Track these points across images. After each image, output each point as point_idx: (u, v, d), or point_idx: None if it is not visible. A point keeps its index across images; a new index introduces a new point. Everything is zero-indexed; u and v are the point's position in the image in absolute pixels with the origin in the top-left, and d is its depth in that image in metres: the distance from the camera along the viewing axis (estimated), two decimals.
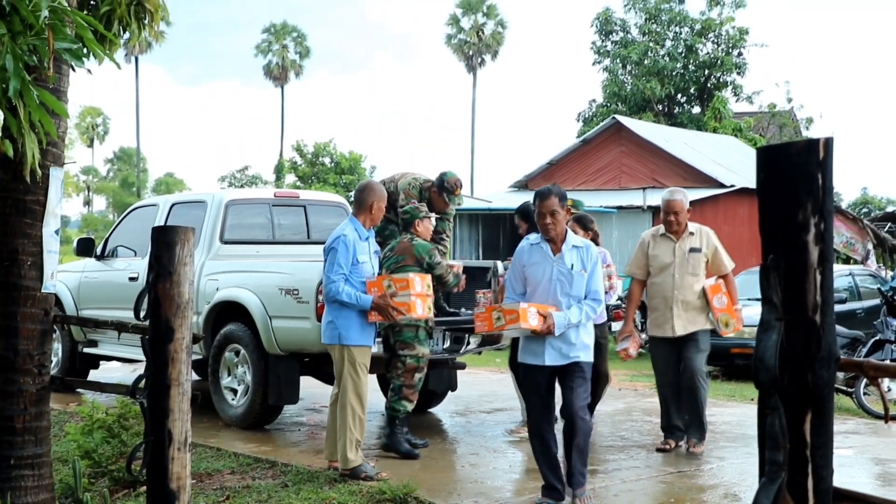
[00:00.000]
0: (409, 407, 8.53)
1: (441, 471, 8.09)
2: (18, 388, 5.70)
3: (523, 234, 9.36)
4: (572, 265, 6.67)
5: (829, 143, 2.71)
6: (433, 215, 9.12)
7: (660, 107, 42.24)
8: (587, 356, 6.80)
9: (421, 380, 8.51)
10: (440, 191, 9.47)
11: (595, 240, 9.69)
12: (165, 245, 5.14)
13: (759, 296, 2.83)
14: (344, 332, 7.56)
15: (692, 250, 8.56)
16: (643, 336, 12.49)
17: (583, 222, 9.55)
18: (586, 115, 43.59)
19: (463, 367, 10.55)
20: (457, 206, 9.76)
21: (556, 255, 6.70)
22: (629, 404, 11.73)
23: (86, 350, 11.80)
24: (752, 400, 11.03)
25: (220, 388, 9.82)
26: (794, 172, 2.71)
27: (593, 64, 44.02)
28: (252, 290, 9.50)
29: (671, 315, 8.54)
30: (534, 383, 6.83)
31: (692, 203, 27.60)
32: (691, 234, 8.62)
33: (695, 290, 8.52)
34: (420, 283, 7.76)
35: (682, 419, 8.71)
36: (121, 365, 13.08)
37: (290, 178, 50.30)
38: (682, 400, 8.67)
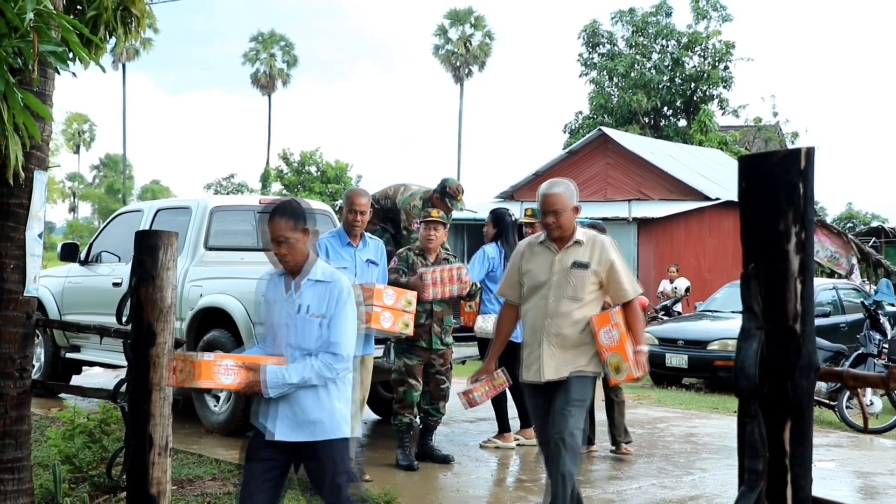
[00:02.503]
0: (404, 420, 8.43)
1: (423, 479, 8.09)
2: None
3: (488, 240, 9.38)
4: (305, 307, 4.88)
5: (810, 152, 2.72)
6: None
7: (646, 119, 42.40)
8: (334, 431, 4.87)
9: (408, 392, 8.39)
10: (442, 196, 9.47)
11: None
12: (148, 249, 5.14)
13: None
14: None
15: (575, 265, 6.03)
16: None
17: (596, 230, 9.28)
18: (573, 127, 43.77)
19: None
20: (458, 211, 9.77)
21: (288, 293, 4.97)
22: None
23: (69, 355, 11.75)
24: (735, 412, 11.08)
25: (202, 395, 9.78)
26: (775, 181, 2.72)
27: (580, 76, 44.34)
28: (236, 296, 9.47)
29: (540, 353, 6.03)
30: (264, 458, 4.94)
31: (678, 216, 27.49)
32: (578, 243, 6.09)
33: (575, 321, 5.97)
34: (392, 297, 7.63)
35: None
36: (103, 370, 13.03)
37: (277, 186, 50.28)
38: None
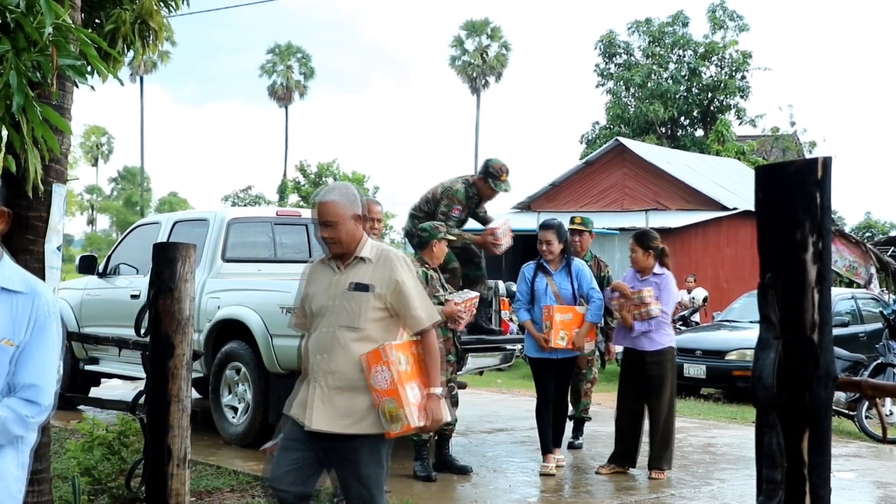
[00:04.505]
0: (423, 436, 8.38)
1: (441, 490, 8.09)
2: None
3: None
4: None
5: (827, 162, 2.71)
6: (453, 235, 8.88)
7: (663, 129, 42.35)
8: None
9: None
10: (486, 178, 9.28)
11: (662, 260, 8.81)
12: (166, 261, 5.16)
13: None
14: None
15: (356, 287, 4.93)
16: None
17: (643, 241, 8.69)
18: (589, 137, 43.76)
19: (464, 386, 10.55)
20: (504, 193, 9.61)
21: None
22: None
23: (87, 367, 11.81)
24: (753, 422, 11.04)
25: (220, 406, 9.81)
26: (792, 191, 2.71)
27: (597, 86, 44.33)
28: (253, 308, 9.51)
29: (313, 395, 4.90)
30: None
31: (695, 226, 27.49)
32: (362, 260, 4.98)
33: (353, 356, 4.86)
34: None
35: None
36: (122, 382, 13.08)
37: (294, 198, 50.45)
38: None
